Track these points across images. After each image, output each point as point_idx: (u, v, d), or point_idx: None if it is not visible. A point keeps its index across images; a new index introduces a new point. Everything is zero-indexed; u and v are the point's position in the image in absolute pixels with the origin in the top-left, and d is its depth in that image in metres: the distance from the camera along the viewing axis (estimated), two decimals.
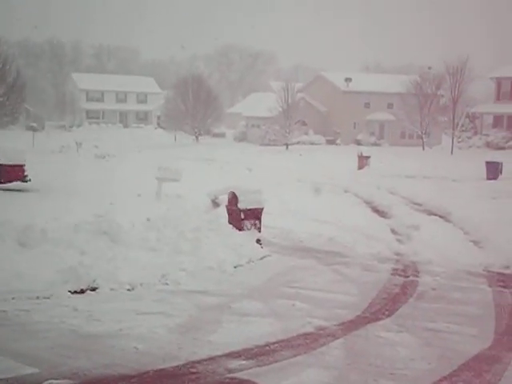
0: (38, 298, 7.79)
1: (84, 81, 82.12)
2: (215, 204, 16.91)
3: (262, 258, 10.80)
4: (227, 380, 5.44)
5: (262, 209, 12.00)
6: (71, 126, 72.62)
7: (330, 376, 5.64)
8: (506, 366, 6.13)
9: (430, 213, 16.40)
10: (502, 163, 25.19)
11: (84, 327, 6.78)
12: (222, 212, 12.53)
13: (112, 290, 8.33)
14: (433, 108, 47.14)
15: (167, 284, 8.88)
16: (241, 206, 11.71)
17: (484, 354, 6.49)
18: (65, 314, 7.21)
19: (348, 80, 55.20)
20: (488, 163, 25.27)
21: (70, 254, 8.96)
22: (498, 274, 10.29)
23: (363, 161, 29.47)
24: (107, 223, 10.22)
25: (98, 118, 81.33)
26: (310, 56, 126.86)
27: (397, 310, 8.11)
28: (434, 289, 9.24)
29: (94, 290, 8.23)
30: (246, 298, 8.36)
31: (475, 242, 12.59)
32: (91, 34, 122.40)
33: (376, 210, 17.13)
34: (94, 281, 8.34)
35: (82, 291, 8.15)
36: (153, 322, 7.00)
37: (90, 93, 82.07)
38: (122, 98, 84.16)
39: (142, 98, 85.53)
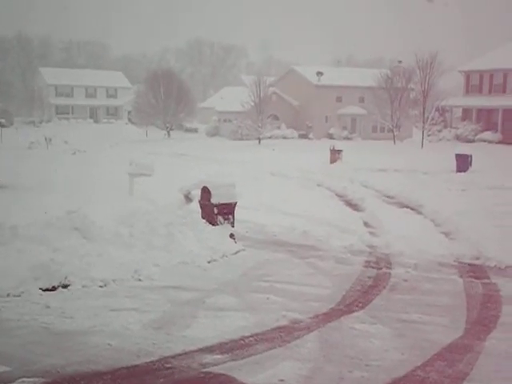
0: (8, 295, 7.66)
1: (53, 76, 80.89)
2: (188, 199, 16.83)
3: (235, 253, 10.78)
4: (202, 375, 5.42)
5: (236, 203, 11.97)
6: (40, 122, 71.58)
7: (305, 368, 5.66)
8: (477, 354, 6.23)
9: (402, 205, 16.57)
10: (471, 156, 25.55)
11: (56, 324, 6.69)
12: (195, 207, 12.48)
13: (84, 286, 8.23)
14: (403, 102, 47.57)
15: (140, 280, 8.82)
16: (214, 200, 11.65)
17: (456, 343, 6.58)
18: (36, 312, 7.11)
19: (320, 74, 55.36)
20: (458, 156, 25.62)
21: (42, 251, 8.81)
22: (469, 264, 10.45)
23: (335, 155, 29.62)
24: (79, 219, 10.09)
25: (67, 113, 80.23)
26: (281, 50, 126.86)
27: (370, 301, 8.17)
28: (406, 280, 9.34)
29: (65, 286, 8.13)
30: (220, 293, 8.34)
31: (446, 234, 12.76)
32: (60, 29, 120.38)
33: (349, 204, 17.24)
34: (66, 278, 8.23)
35: (54, 288, 8.04)
36: (126, 318, 6.94)
37: (58, 88, 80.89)
38: (91, 92, 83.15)
39: (112, 93, 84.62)
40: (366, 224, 14.06)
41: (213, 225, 11.53)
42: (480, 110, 47.48)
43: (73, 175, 21.06)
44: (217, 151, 37.35)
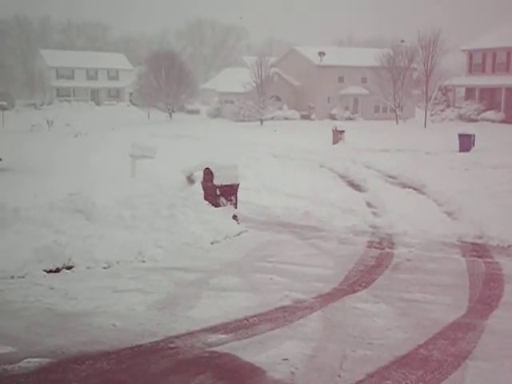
0: (12, 277, 7.70)
1: (53, 58, 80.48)
2: (190, 181, 16.83)
3: (238, 234, 10.80)
4: (206, 354, 5.46)
5: (238, 185, 11.97)
6: (42, 104, 71.38)
7: (308, 347, 5.69)
8: (480, 333, 6.25)
9: (405, 185, 16.54)
10: (474, 135, 25.45)
11: (60, 306, 6.73)
12: (198, 189, 12.48)
13: (88, 268, 8.26)
14: (406, 81, 47.26)
15: (144, 261, 8.84)
16: (216, 182, 11.65)
17: (459, 322, 6.60)
18: (41, 293, 7.14)
19: (321, 54, 54.98)
20: (461, 135, 25.51)
21: (45, 233, 8.83)
22: (472, 244, 10.45)
23: (338, 135, 29.52)
24: (82, 201, 10.10)
25: (68, 95, 79.95)
26: (282, 30, 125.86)
27: (373, 281, 8.19)
28: (409, 260, 9.36)
29: (69, 268, 8.16)
30: (223, 274, 8.36)
31: (449, 214, 12.75)
32: (59, 10, 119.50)
33: (351, 184, 17.22)
34: (70, 259, 8.25)
35: (58, 270, 8.07)
36: (130, 299, 6.98)
37: (59, 70, 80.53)
38: (92, 75, 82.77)
39: (114, 75, 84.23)
40: (368, 204, 14.05)
41: (215, 206, 11.54)
42: (483, 89, 47.21)
43: (75, 158, 21.05)
44: (219, 133, 37.26)
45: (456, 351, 5.71)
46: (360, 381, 4.95)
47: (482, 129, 30.64)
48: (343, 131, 29.73)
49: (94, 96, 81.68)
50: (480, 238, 10.68)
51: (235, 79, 55.10)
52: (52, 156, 21.29)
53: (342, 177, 18.58)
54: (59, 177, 15.54)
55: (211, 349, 5.57)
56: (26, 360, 5.20)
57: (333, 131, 29.85)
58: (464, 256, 9.66)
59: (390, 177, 18.47)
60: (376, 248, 10.11)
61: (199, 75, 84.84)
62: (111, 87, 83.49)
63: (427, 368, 5.27)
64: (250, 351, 5.52)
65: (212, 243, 10.09)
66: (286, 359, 5.32)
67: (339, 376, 5.03)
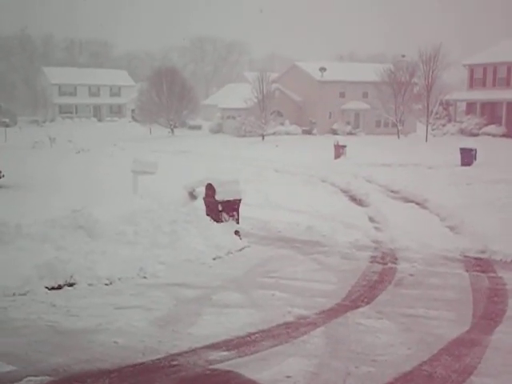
0: (14, 294, 7.67)
1: (56, 75, 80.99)
2: (192, 196, 16.84)
3: (240, 250, 10.78)
4: (208, 372, 5.41)
5: (240, 200, 11.96)
6: (44, 121, 71.69)
7: (311, 364, 5.64)
8: (484, 348, 6.20)
9: (407, 200, 16.54)
10: (475, 149, 25.47)
11: (62, 323, 6.69)
12: (200, 204, 12.47)
13: (90, 285, 8.24)
14: (407, 96, 47.39)
15: (146, 277, 8.82)
16: (218, 197, 11.64)
17: (463, 337, 6.56)
18: (42, 311, 7.11)
19: (322, 69, 55.21)
20: (462, 150, 25.53)
21: (46, 250, 8.82)
22: (475, 258, 10.41)
23: (339, 150, 29.57)
24: (83, 218, 10.09)
25: (71, 112, 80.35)
26: (284, 46, 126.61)
27: (376, 297, 8.15)
28: (411, 275, 9.32)
29: (71, 285, 8.13)
30: (225, 290, 8.33)
31: (451, 228, 12.72)
32: (62, 28, 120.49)
33: (353, 199, 17.21)
34: (71, 276, 8.23)
35: (60, 287, 8.04)
36: (132, 315, 6.94)
37: (62, 87, 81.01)
38: (95, 91, 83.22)
39: (116, 91, 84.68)
40: (370, 219, 14.03)
41: (217, 222, 11.52)
42: (484, 104, 47.30)
43: (77, 174, 21.08)
44: (220, 148, 37.34)
45: (460, 367, 5.66)
46: None
47: (483, 143, 30.63)
48: (345, 146, 29.78)
49: (96, 112, 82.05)
50: (483, 252, 10.64)
51: (237, 95, 55.35)
52: (54, 172, 21.33)
53: (344, 191, 18.57)
54: (61, 193, 15.54)
55: (213, 366, 5.53)
56: (27, 379, 5.16)
57: (334, 146, 29.90)
58: (467, 271, 9.62)
59: (392, 191, 18.46)
60: (379, 263, 10.07)
61: (201, 91, 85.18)
62: (113, 103, 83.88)
63: None
64: (253, 368, 5.48)
65: (214, 259, 10.07)
66: (289, 376, 5.28)
67: None
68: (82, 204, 11.69)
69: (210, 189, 11.81)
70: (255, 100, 49.04)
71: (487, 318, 7.27)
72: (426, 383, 5.26)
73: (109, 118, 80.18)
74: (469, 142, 27.72)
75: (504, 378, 5.38)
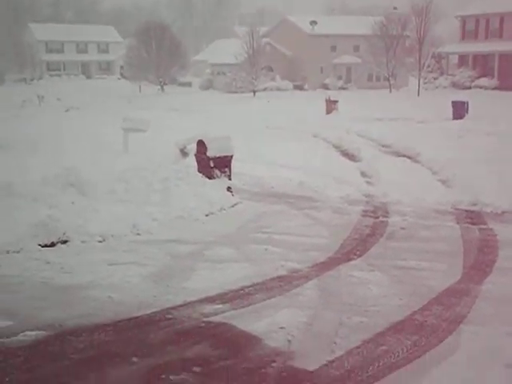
0: (7, 252, 7.69)
1: (42, 31, 79.42)
2: (184, 153, 16.76)
3: (233, 206, 10.79)
4: (203, 324, 5.48)
5: (232, 156, 11.92)
6: (32, 79, 70.63)
7: (304, 315, 5.72)
8: (474, 298, 6.30)
9: (399, 154, 16.54)
10: (467, 102, 25.38)
11: (56, 279, 6.73)
12: (191, 161, 12.43)
13: (83, 242, 8.25)
14: (399, 49, 46.94)
15: (139, 234, 8.84)
16: (210, 154, 11.60)
17: (453, 288, 6.65)
18: (36, 268, 7.14)
19: (313, 23, 54.43)
20: (454, 103, 25.44)
21: (38, 208, 8.80)
22: (466, 211, 10.49)
23: (331, 105, 29.38)
24: (74, 176, 10.04)
25: (59, 69, 79.11)
26: (274, 0, 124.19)
27: (368, 250, 8.22)
28: (403, 228, 9.38)
29: (64, 242, 8.15)
30: (218, 245, 8.38)
31: (443, 181, 12.77)
32: None
33: (345, 154, 17.19)
34: (64, 233, 8.24)
35: (53, 244, 8.06)
36: (126, 271, 6.98)
37: (49, 44, 79.56)
38: (82, 48, 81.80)
39: (104, 48, 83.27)
40: (362, 174, 14.05)
41: (209, 178, 11.51)
42: (476, 56, 46.94)
43: (67, 132, 20.90)
44: (211, 105, 37.03)
45: (451, 316, 5.76)
46: (356, 347, 4.99)
47: (475, 96, 30.56)
48: (336, 101, 29.58)
49: (85, 70, 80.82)
50: (474, 204, 10.71)
51: (227, 50, 54.61)
52: (44, 131, 21.12)
53: (336, 147, 18.54)
54: (51, 152, 15.43)
55: (207, 319, 5.60)
56: (23, 333, 5.21)
57: (326, 101, 29.70)
58: (458, 223, 9.70)
59: (384, 146, 18.44)
60: (370, 217, 10.13)
61: (190, 47, 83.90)
62: (102, 60, 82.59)
63: (422, 333, 5.32)
64: (247, 320, 5.55)
65: (207, 215, 10.09)
66: (283, 327, 5.36)
67: (335, 343, 5.07)
68: (73, 162, 11.62)
69: (201, 145, 11.75)
70: (245, 55, 48.42)
71: (477, 269, 7.36)
72: (417, 332, 5.36)
73: (97, 76, 79.06)
74: (461, 95, 27.63)
75: (493, 326, 5.48)
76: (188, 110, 32.90)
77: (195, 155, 12.05)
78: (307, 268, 7.31)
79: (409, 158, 15.84)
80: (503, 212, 10.27)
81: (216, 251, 8.08)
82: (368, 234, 9.10)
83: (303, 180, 12.78)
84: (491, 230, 9.26)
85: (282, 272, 7.13)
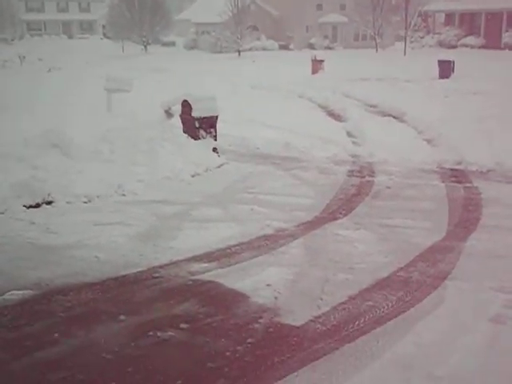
0: None
1: None
2: (169, 114, 16.55)
3: (219, 167, 10.76)
4: (190, 282, 5.51)
5: (217, 117, 11.81)
6: (13, 39, 69.19)
7: (290, 273, 5.76)
8: (458, 255, 6.38)
9: (384, 114, 16.50)
10: (454, 61, 25.26)
11: (42, 240, 6.70)
12: (177, 122, 12.32)
13: (68, 202, 8.20)
14: (385, 8, 46.43)
15: (124, 195, 8.80)
16: (195, 114, 11.48)
17: (438, 245, 6.72)
18: (21, 228, 7.10)
19: None
20: (440, 62, 25.31)
21: (22, 169, 8.70)
22: (451, 170, 10.55)
23: (317, 65, 29.13)
24: (57, 136, 9.92)
25: (39, 29, 77.54)
26: None
27: (353, 209, 8.26)
28: (389, 187, 9.42)
29: (49, 203, 8.09)
30: (205, 206, 8.37)
31: (429, 141, 12.80)
32: None
33: (331, 114, 17.13)
34: (49, 194, 8.17)
35: (38, 205, 7.99)
36: (112, 231, 6.97)
37: (29, 2, 77.71)
38: (63, 7, 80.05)
39: (85, 7, 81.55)
40: (348, 134, 14.03)
41: (195, 139, 11.43)
42: (463, 15, 46.57)
43: (49, 93, 20.57)
44: (196, 65, 36.56)
45: (435, 272, 5.83)
46: (341, 303, 5.05)
47: (461, 55, 30.42)
48: (322, 61, 29.33)
49: (66, 29, 79.26)
50: (459, 163, 10.76)
51: (211, 9, 53.72)
52: (26, 92, 20.78)
53: (322, 107, 18.45)
54: (33, 113, 15.19)
55: (194, 277, 5.63)
56: (9, 293, 5.20)
57: (312, 61, 29.43)
58: (443, 182, 9.75)
59: (370, 106, 18.38)
60: (356, 177, 10.16)
61: (173, 6, 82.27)
62: (83, 20, 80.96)
63: (407, 289, 5.39)
64: (233, 278, 5.59)
65: (192, 176, 10.05)
66: (269, 285, 5.40)
67: (321, 299, 5.12)
68: (56, 123, 11.46)
69: (185, 106, 11.62)
70: (230, 14, 47.67)
71: (462, 226, 7.44)
72: (402, 288, 5.42)
73: (79, 35, 77.61)
74: (447, 54, 27.45)
75: (476, 282, 5.56)
76: (172, 71, 32.46)
77: (180, 116, 11.93)
78: (293, 227, 7.34)
79: (395, 117, 15.82)
80: (488, 170, 10.34)
81: (202, 211, 8.08)
82: (354, 193, 9.13)
83: (289, 140, 12.74)
84: (476, 188, 9.33)
85: (268, 231, 7.15)
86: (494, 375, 3.86)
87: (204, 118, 11.54)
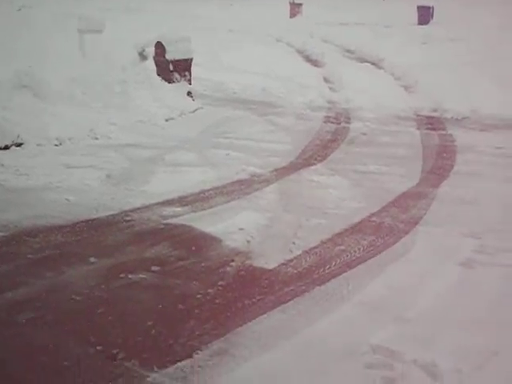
0: None
1: None
2: (143, 57, 16.20)
3: (194, 111, 10.62)
4: (162, 226, 5.47)
5: (192, 59, 11.59)
6: None
7: (264, 218, 5.75)
8: (431, 200, 6.43)
9: (362, 60, 16.35)
10: (433, 7, 25.04)
11: (11, 181, 6.56)
12: (151, 65, 12.06)
13: (39, 145, 8.02)
14: None
15: (97, 139, 8.65)
16: (169, 56, 11.25)
17: (411, 191, 6.76)
18: None
19: None
20: (419, 8, 25.05)
21: None
22: (427, 117, 10.56)
23: (295, 9, 28.69)
24: (29, 78, 9.63)
25: None
26: None
27: (329, 155, 8.24)
28: (364, 134, 9.41)
29: (19, 145, 7.90)
30: (179, 150, 8.28)
31: (406, 87, 12.75)
32: None
33: (309, 59, 16.93)
34: (19, 136, 7.97)
35: (7, 147, 7.80)
36: (84, 174, 6.85)
37: None
38: None
39: None
40: (325, 79, 13.91)
41: (169, 82, 11.22)
42: None
43: (20, 33, 19.90)
44: (170, 5, 35.60)
45: (407, 218, 5.87)
46: (314, 247, 5.07)
47: (441, 1, 30.01)
48: (301, 4, 28.85)
49: None
50: (435, 110, 10.77)
51: None
52: None
53: (299, 52, 18.21)
54: (3, 53, 14.71)
55: (167, 221, 5.59)
56: None
57: (290, 4, 28.92)
58: (419, 129, 9.77)
59: (348, 51, 18.19)
60: (332, 123, 10.12)
61: None
62: None
63: (379, 234, 5.43)
64: (206, 222, 5.56)
65: (167, 120, 9.92)
66: (242, 229, 5.39)
67: (293, 243, 5.14)
68: (27, 65, 11.12)
69: (159, 47, 11.37)
70: None
71: (435, 173, 7.48)
72: (374, 233, 5.46)
73: None
74: (426, 0, 27.12)
75: (447, 227, 5.62)
76: (146, 11, 31.61)
77: (154, 58, 11.68)
78: (268, 172, 7.30)
79: (372, 63, 15.68)
80: (463, 118, 10.37)
81: (176, 156, 7.99)
82: (329, 139, 9.10)
83: (266, 85, 12.61)
84: (450, 135, 9.37)
85: (243, 176, 7.11)
86: (461, 318, 3.93)
87: (178, 60, 11.32)
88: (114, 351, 3.40)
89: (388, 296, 4.23)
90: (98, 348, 3.43)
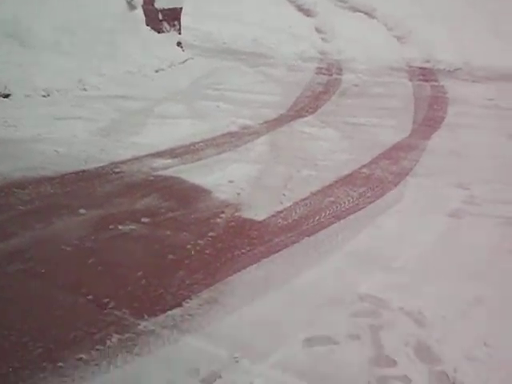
0: None
1: None
2: (131, 6, 15.83)
3: (183, 62, 10.48)
4: (152, 178, 5.45)
5: (181, 8, 11.37)
6: None
7: (254, 169, 5.74)
8: (421, 152, 6.43)
9: (355, 9, 16.03)
10: None
11: None
12: (139, 14, 11.80)
13: (26, 96, 7.89)
14: None
15: (85, 89, 8.53)
16: (158, 5, 11.03)
17: (402, 142, 6.76)
18: None
19: None
20: None
21: None
22: (419, 68, 10.48)
23: None
24: (14, 26, 9.41)
25: None
26: None
27: (320, 107, 8.19)
28: (356, 85, 9.35)
29: (6, 96, 7.77)
30: (169, 101, 8.20)
31: (398, 38, 12.59)
32: None
33: (300, 9, 16.57)
34: (6, 87, 7.84)
35: None
36: (73, 126, 6.77)
37: None
38: None
39: None
40: (317, 30, 13.68)
41: (158, 32, 11.03)
42: None
43: None
44: None
45: (397, 169, 5.88)
46: (303, 199, 5.08)
47: None
48: None
49: None
50: (427, 61, 10.68)
51: None
52: None
53: (291, 1, 17.82)
54: None
55: (157, 173, 5.56)
56: None
57: None
58: (411, 80, 9.71)
59: (340, 1, 17.82)
60: (324, 74, 10.03)
61: None
62: None
63: (369, 185, 5.44)
64: (196, 174, 5.54)
65: (156, 71, 9.78)
66: (232, 181, 5.38)
67: (284, 195, 5.14)
68: (11, 13, 10.85)
69: None
70: None
71: (426, 125, 7.47)
72: (364, 184, 5.47)
73: None
74: None
75: (436, 178, 5.64)
76: None
77: (142, 7, 11.42)
78: (259, 124, 7.27)
79: (365, 13, 15.39)
80: (455, 69, 10.30)
81: (166, 107, 7.92)
82: (321, 91, 9.03)
83: (257, 36, 12.42)
84: (442, 87, 9.32)
85: (233, 128, 7.07)
86: (449, 267, 3.98)
87: (167, 9, 11.11)
88: (105, 300, 3.42)
89: (376, 246, 4.26)
90: (89, 297, 3.46)
